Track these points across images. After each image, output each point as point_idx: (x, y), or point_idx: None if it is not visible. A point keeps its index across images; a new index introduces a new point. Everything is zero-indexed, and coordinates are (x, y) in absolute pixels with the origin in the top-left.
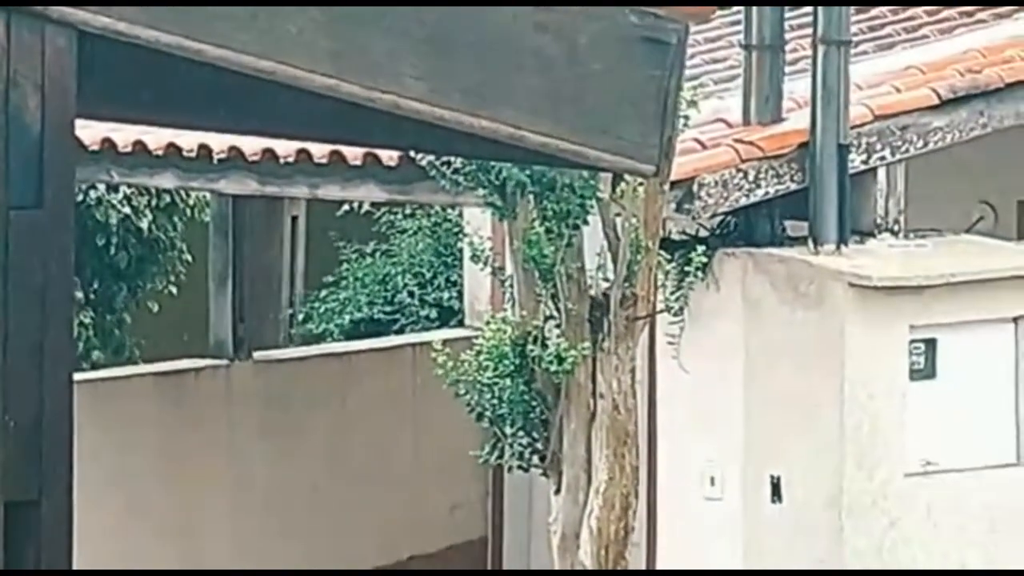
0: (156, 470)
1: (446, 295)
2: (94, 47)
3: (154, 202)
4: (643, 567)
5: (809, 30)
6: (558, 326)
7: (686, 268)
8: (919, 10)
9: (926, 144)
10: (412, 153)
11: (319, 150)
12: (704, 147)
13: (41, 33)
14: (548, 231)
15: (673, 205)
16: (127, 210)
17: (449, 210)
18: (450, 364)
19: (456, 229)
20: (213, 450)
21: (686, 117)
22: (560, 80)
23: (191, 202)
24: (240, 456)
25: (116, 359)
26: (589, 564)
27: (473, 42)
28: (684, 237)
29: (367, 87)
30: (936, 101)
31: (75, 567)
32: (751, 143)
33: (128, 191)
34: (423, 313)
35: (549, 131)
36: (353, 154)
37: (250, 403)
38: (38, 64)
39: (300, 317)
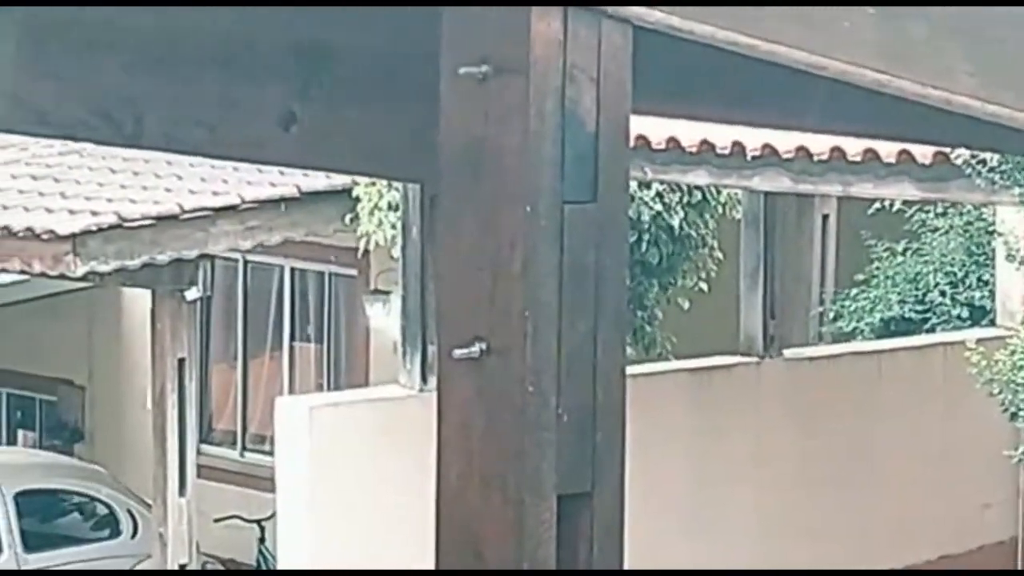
0: (684, 466)
1: (977, 294)
2: (647, 41)
3: (685, 199)
4: None
5: None
6: None
7: None
8: None
9: None
10: (948, 151)
11: (853, 147)
12: None
13: (598, 28)
14: None
15: None
16: (659, 207)
17: (983, 209)
18: (983, 363)
19: (989, 228)
20: (741, 447)
21: None
22: None
23: (722, 199)
24: (768, 453)
25: (647, 355)
26: None
27: (1020, 36)
28: None
29: (919, 83)
30: None
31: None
32: None
33: (660, 188)
34: (954, 312)
35: None
36: (887, 151)
37: (779, 400)
38: (594, 59)
39: (830, 315)
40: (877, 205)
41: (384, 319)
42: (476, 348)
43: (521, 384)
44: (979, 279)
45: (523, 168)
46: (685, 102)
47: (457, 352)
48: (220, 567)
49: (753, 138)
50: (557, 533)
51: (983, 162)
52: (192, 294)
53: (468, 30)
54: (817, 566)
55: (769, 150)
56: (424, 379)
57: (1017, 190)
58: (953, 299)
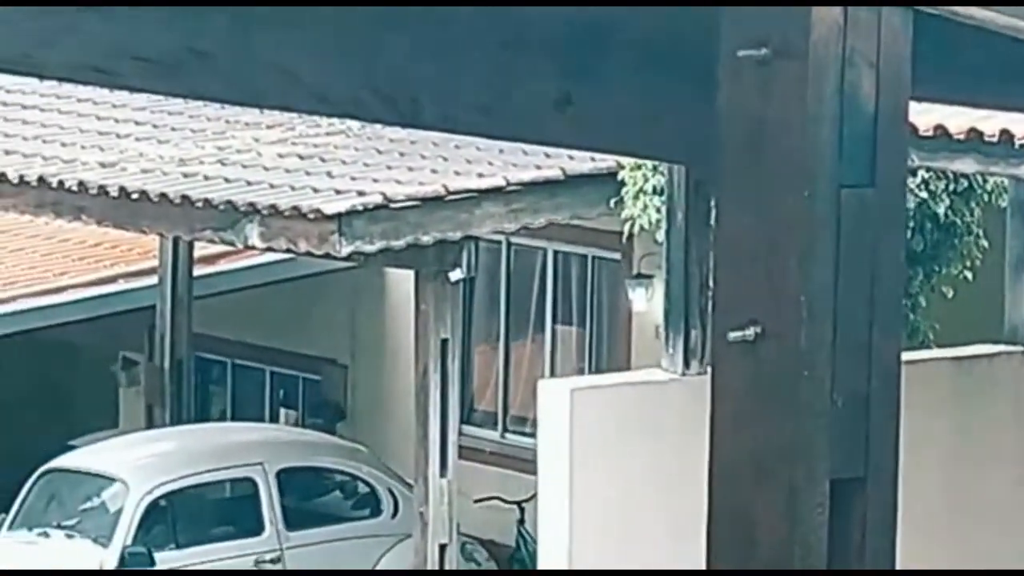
0: (943, 456)
1: None
2: (923, 26)
3: (951, 187)
4: None
5: None
6: None
7: None
8: None
9: None
10: None
11: None
12: None
13: (878, 13)
14: None
15: None
16: (924, 194)
17: None
18: None
19: None
20: (1002, 438)
21: None
22: None
23: (988, 187)
24: None
25: (910, 343)
26: None
27: None
28: None
29: None
30: None
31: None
32: None
33: (925, 175)
34: None
35: None
36: None
37: None
38: (874, 44)
39: None
40: None
41: (647, 303)
42: (751, 331)
43: (796, 368)
44: None
45: (801, 151)
46: (960, 88)
47: (732, 335)
48: (480, 549)
49: (1022, 126)
50: (829, 517)
51: None
52: (456, 275)
53: (748, 13)
54: None
55: None
56: (687, 363)
57: None
58: None
